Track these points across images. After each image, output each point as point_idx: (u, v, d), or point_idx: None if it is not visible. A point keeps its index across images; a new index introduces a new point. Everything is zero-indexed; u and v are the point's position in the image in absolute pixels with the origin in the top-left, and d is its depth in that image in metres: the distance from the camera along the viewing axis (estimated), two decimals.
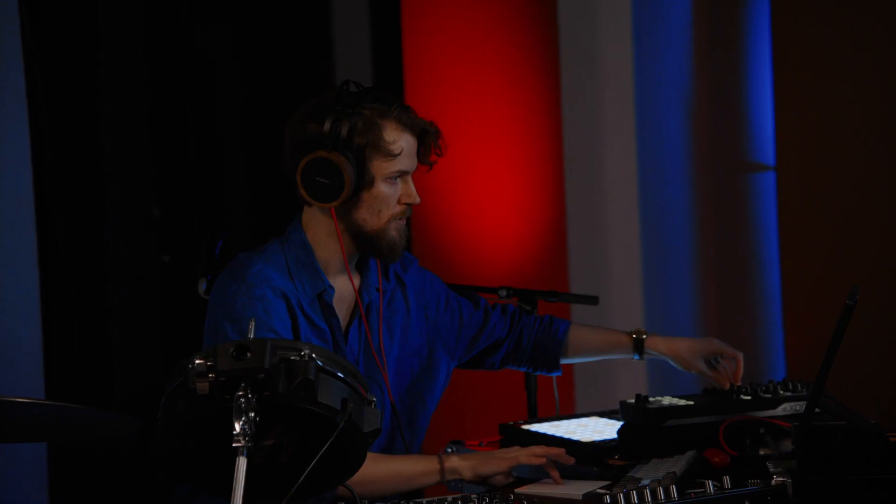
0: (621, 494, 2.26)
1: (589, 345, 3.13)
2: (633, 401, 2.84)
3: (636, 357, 3.09)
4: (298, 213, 2.85)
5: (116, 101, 4.56)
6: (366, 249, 2.81)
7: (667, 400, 2.84)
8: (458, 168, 4.99)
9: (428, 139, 2.83)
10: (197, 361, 1.98)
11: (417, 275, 3.00)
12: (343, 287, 2.83)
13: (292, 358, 2.01)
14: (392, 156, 2.76)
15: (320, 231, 2.80)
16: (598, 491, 2.51)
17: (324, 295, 2.79)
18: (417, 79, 5.08)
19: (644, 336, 3.07)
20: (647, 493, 2.26)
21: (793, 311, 4.70)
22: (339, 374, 2.07)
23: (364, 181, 2.75)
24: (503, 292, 3.37)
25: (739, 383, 2.96)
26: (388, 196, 2.78)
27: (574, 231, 4.82)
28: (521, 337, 3.10)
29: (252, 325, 2.07)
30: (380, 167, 2.76)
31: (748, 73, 4.86)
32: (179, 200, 4.71)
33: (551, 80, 4.88)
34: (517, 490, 2.61)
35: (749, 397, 2.83)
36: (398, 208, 2.80)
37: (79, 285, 4.38)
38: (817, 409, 2.45)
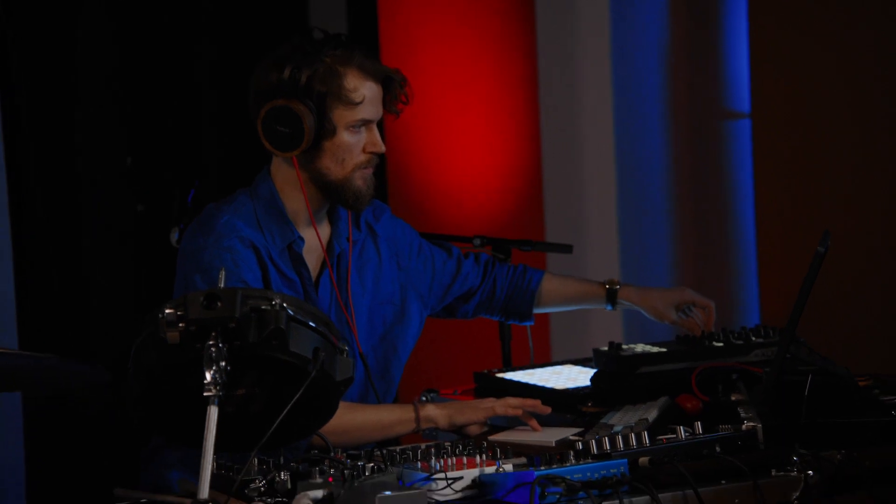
0: (594, 441, 2.27)
1: (562, 295, 3.14)
2: (606, 348, 2.85)
3: (609, 307, 3.09)
4: (268, 164, 2.84)
5: (89, 52, 4.52)
6: (332, 199, 2.80)
7: (639, 347, 2.85)
8: (433, 116, 4.97)
9: (393, 87, 2.79)
10: (167, 311, 1.97)
11: (389, 223, 2.98)
12: (314, 237, 2.82)
13: (263, 307, 2.00)
14: (353, 104, 2.73)
15: (288, 181, 2.79)
16: (571, 438, 2.53)
17: (293, 246, 2.78)
18: (392, 27, 5.05)
19: (617, 287, 3.07)
20: (620, 439, 2.28)
21: (767, 259, 4.72)
22: (311, 323, 2.06)
23: (325, 130, 2.72)
24: (477, 241, 3.37)
25: (711, 330, 2.97)
26: (352, 145, 2.75)
27: (550, 179, 4.82)
28: (495, 286, 3.10)
29: (223, 275, 2.06)
30: (341, 115, 2.73)
31: (724, 20, 4.85)
32: (152, 149, 4.69)
33: (527, 28, 4.86)
34: (490, 437, 2.62)
35: (721, 344, 2.84)
36: (363, 157, 2.77)
37: (53, 235, 4.36)
38: (788, 355, 2.47)
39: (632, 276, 4.57)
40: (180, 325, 1.97)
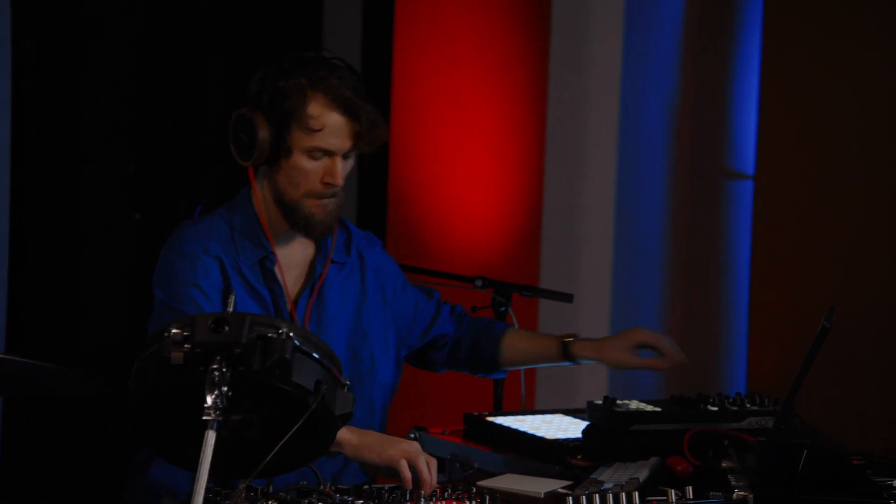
0: (584, 496, 2.26)
1: (521, 350, 3.04)
2: (600, 402, 2.83)
3: (569, 363, 3.00)
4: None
5: (98, 57, 4.51)
6: (286, 220, 2.75)
7: (634, 404, 2.84)
8: (440, 155, 4.98)
9: (362, 123, 2.69)
10: (173, 331, 1.96)
11: (379, 255, 2.96)
12: (296, 253, 2.80)
13: (269, 335, 1.99)
14: (311, 130, 2.67)
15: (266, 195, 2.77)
16: (560, 490, 2.51)
17: (265, 262, 2.76)
18: (405, 67, 5.05)
19: (570, 340, 2.97)
20: (610, 497, 2.26)
21: (758, 323, 4.71)
22: (315, 355, 2.05)
23: (282, 148, 2.69)
24: (479, 282, 3.34)
25: (680, 361, 2.93)
26: (308, 170, 2.70)
27: (549, 227, 4.82)
28: (461, 337, 3.05)
29: (232, 299, 2.05)
30: (298, 139, 2.68)
31: (734, 79, 4.86)
32: (155, 158, 4.67)
33: (539, 77, 4.87)
34: (479, 483, 2.60)
35: (716, 408, 2.83)
36: (318, 186, 2.71)
37: (51, 239, 4.34)
38: (783, 426, 2.46)
39: (622, 329, 4.55)
40: (186, 346, 1.96)
